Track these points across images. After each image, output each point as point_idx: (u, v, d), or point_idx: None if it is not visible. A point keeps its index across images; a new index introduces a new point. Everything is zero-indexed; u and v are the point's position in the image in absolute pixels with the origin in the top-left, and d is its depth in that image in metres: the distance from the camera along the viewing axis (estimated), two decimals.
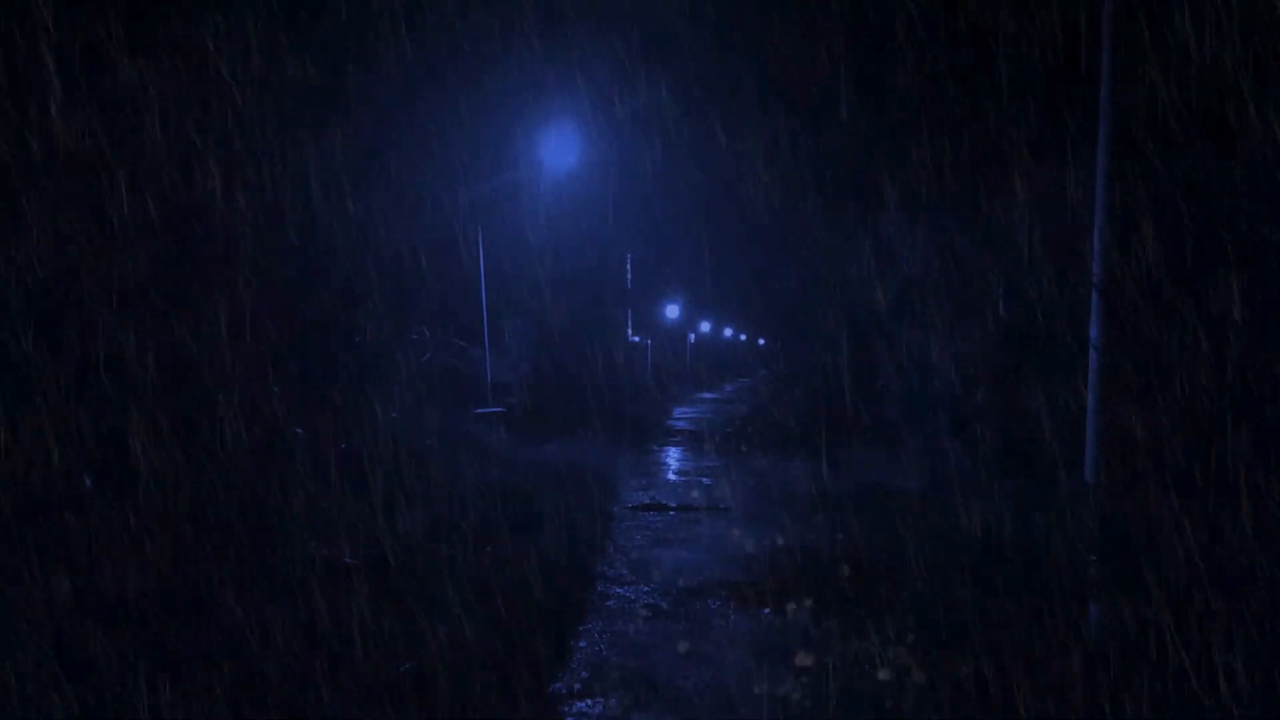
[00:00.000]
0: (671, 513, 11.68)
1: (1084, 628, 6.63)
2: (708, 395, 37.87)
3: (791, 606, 7.37)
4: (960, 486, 11.12)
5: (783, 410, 21.36)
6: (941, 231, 13.82)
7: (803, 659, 6.21)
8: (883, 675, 5.84)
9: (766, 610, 7.38)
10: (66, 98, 6.95)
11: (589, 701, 5.63)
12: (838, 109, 13.27)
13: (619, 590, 8.05)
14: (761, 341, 58.90)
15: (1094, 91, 8.94)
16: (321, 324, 9.70)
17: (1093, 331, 9.35)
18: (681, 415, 27.78)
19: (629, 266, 28.13)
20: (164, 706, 4.96)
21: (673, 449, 18.96)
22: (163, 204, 7.47)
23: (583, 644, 6.64)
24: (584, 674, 6.07)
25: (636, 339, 30.73)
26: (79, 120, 7.01)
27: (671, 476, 15.09)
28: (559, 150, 17.25)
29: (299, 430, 8.84)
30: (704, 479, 14.58)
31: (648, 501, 12.46)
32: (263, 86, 8.21)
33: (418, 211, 11.61)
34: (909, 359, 15.52)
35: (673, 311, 38.25)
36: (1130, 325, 8.74)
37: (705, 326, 52.10)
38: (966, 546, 8.56)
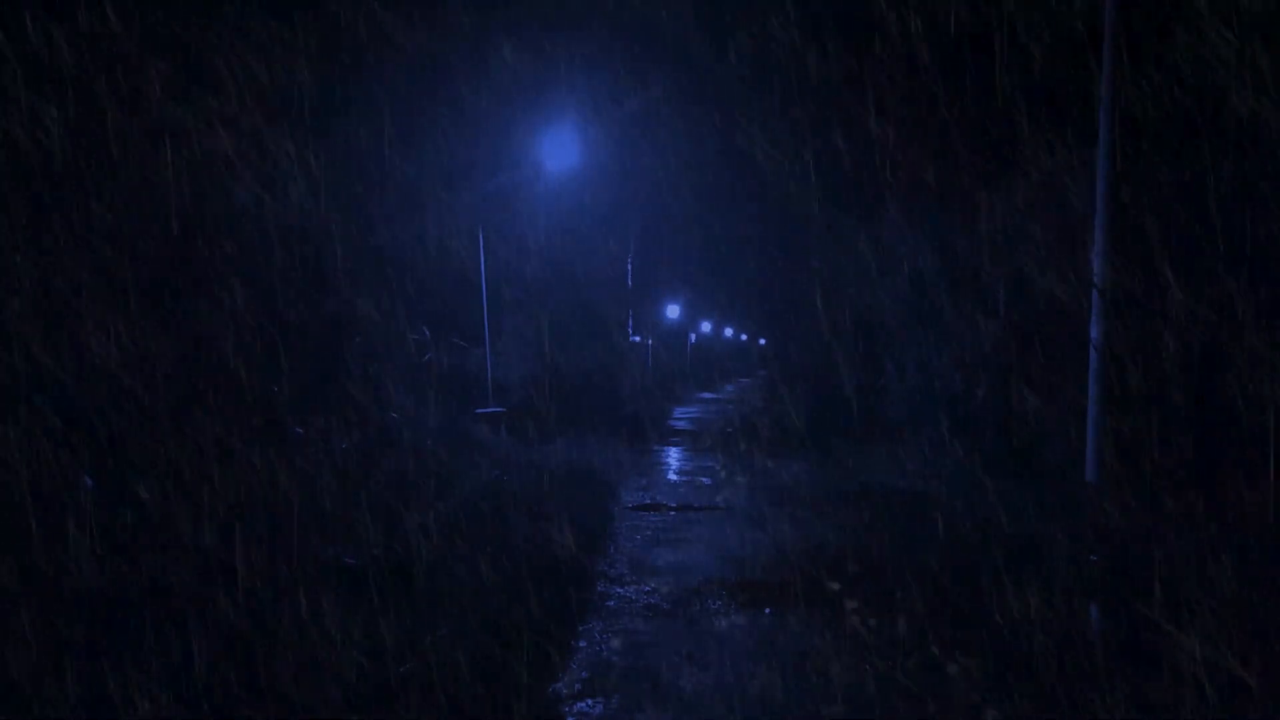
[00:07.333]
0: (671, 513, 11.68)
1: (1084, 627, 6.63)
2: (708, 395, 37.86)
3: (791, 607, 7.37)
4: (961, 486, 11.13)
5: (783, 410, 21.35)
6: (943, 231, 13.82)
7: (802, 659, 6.21)
8: (881, 675, 5.84)
9: (767, 610, 7.38)
10: (69, 97, 6.95)
11: (589, 701, 5.63)
12: (840, 108, 13.27)
13: (619, 590, 8.05)
14: (763, 341, 58.94)
15: (1096, 91, 8.94)
16: (322, 324, 9.70)
17: (1093, 331, 9.35)
18: (682, 415, 27.77)
19: (630, 266, 28.11)
20: (163, 706, 4.96)
21: (673, 449, 18.96)
22: (163, 204, 7.47)
23: (583, 644, 6.65)
24: (584, 674, 6.07)
25: (637, 339, 30.71)
26: (82, 119, 7.01)
27: (671, 476, 15.09)
28: (560, 150, 17.24)
29: (300, 430, 8.85)
30: (704, 479, 14.58)
31: (648, 501, 12.45)
32: (263, 86, 8.21)
33: (419, 211, 11.61)
34: (910, 358, 15.52)
35: (673, 311, 38.20)
36: (1132, 324, 8.72)
37: (706, 326, 52.06)
38: (967, 546, 8.56)
